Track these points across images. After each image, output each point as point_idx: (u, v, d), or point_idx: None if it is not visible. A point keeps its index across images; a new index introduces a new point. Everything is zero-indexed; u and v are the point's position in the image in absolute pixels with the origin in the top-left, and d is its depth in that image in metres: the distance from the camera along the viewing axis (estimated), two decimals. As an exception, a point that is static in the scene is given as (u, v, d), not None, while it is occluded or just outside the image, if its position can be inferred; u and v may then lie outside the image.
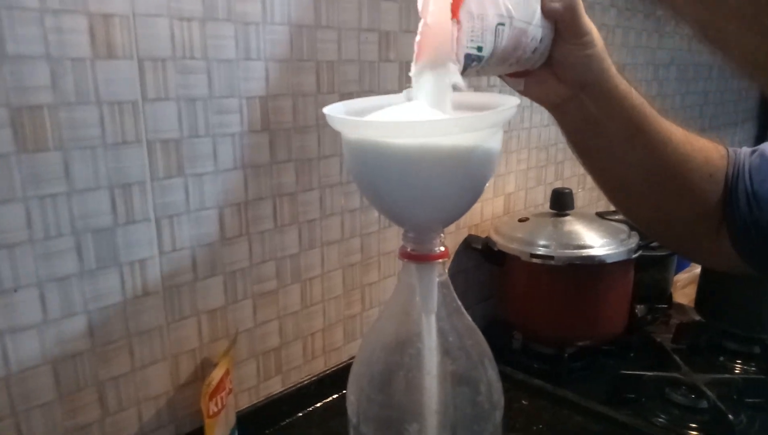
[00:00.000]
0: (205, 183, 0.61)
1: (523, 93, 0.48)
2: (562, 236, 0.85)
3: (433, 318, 0.37)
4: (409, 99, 0.37)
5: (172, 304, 0.61)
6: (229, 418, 0.63)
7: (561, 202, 0.92)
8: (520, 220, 0.92)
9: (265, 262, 0.68)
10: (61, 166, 0.51)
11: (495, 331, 0.97)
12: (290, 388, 0.74)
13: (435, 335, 0.37)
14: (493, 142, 0.34)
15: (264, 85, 0.64)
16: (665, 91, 1.46)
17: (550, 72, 0.45)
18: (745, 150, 0.53)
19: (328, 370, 0.78)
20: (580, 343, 0.89)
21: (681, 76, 1.50)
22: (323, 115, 0.37)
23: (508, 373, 0.83)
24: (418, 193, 0.33)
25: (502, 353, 0.91)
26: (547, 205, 0.96)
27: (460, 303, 0.38)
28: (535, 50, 0.41)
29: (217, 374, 0.60)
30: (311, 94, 0.69)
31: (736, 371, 0.91)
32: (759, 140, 2.07)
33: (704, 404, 0.78)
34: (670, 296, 1.11)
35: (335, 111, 0.37)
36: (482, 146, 0.33)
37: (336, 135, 0.38)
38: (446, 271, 0.37)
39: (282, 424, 0.72)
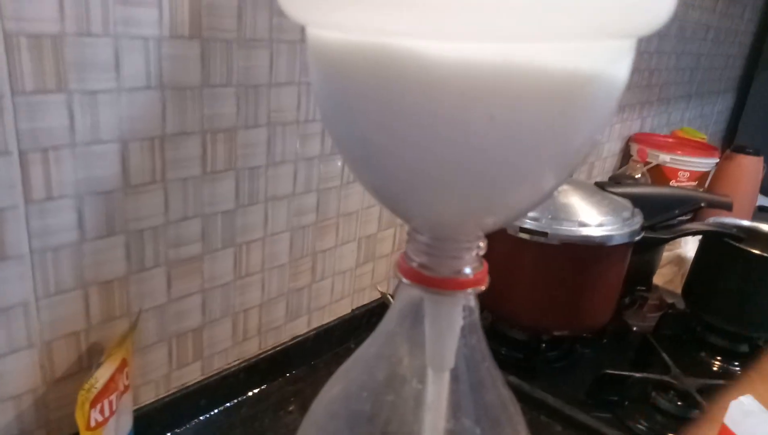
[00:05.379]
0: (101, 104, 0.43)
1: None
2: (557, 210, 0.71)
3: (446, 377, 0.22)
4: None
5: (45, 273, 0.43)
6: (121, 423, 0.47)
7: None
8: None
9: (188, 219, 0.51)
10: None
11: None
12: (212, 376, 0.58)
13: (445, 405, 0.22)
14: (625, 64, 0.19)
15: (197, -29, 0.45)
16: (663, 48, 1.32)
17: None
18: None
19: (263, 353, 0.63)
20: (560, 333, 0.77)
21: (680, 34, 1.37)
22: (281, 27, 0.20)
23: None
24: (471, 163, 0.16)
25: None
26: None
27: (491, 358, 0.23)
28: None
29: (104, 373, 0.43)
30: (265, -7, 0.49)
31: (714, 369, 0.83)
32: (734, 112, 1.99)
33: (695, 413, 0.68)
34: (651, 280, 1.01)
35: None
36: (610, 71, 0.17)
37: (296, 52, 0.20)
38: (477, 303, 0.21)
39: (196, 420, 0.57)
